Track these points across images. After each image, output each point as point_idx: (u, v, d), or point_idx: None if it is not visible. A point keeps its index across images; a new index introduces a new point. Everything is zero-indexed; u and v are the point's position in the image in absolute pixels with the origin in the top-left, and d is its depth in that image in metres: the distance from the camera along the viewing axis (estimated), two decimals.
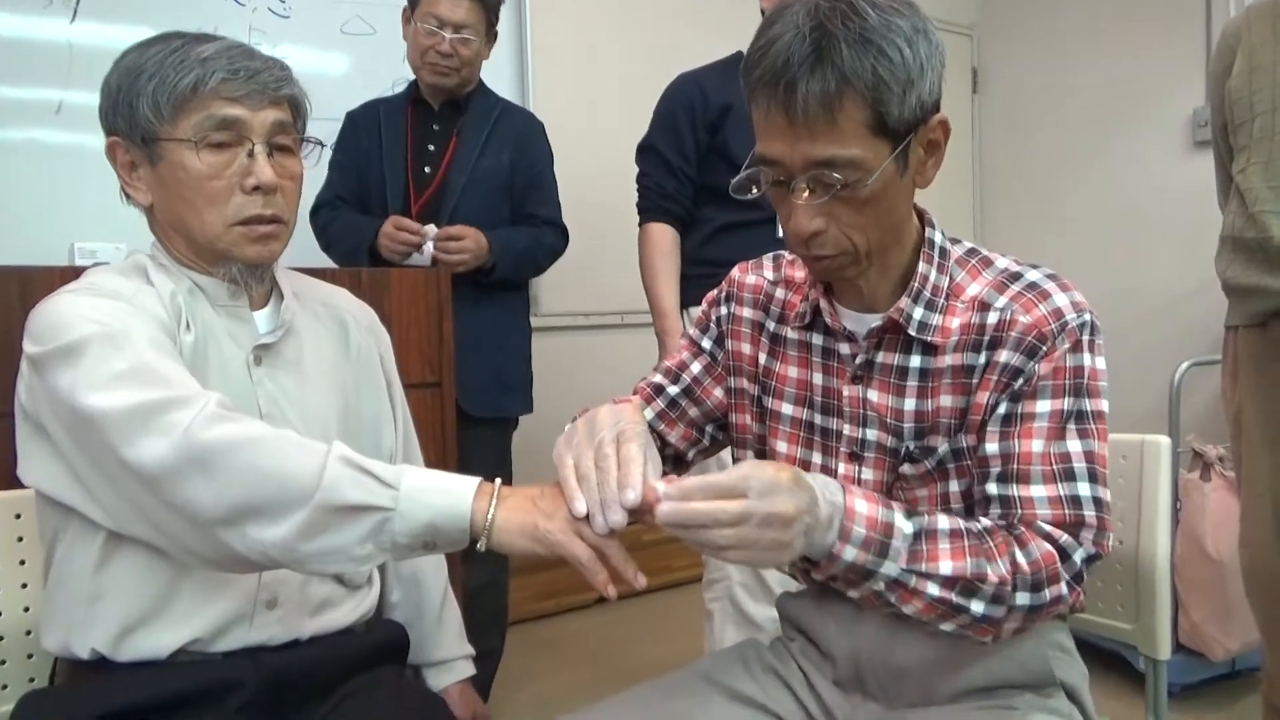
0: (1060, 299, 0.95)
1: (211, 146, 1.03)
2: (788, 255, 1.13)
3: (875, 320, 1.00)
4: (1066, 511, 0.92)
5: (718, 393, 1.15)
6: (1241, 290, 1.68)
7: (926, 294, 0.98)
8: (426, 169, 2.12)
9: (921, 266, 0.99)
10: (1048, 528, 0.92)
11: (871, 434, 1.01)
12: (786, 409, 1.08)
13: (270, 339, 1.11)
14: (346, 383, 1.19)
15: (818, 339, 1.06)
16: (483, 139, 2.13)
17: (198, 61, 1.02)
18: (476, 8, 2.06)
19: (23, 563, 1.17)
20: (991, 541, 0.91)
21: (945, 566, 0.88)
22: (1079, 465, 0.93)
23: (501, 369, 2.13)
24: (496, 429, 2.17)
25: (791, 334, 1.08)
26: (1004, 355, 0.94)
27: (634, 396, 1.18)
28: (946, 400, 0.97)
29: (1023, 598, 0.90)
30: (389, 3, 2.43)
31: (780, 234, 1.00)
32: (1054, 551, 0.91)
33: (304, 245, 2.13)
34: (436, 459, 1.65)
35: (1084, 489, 0.92)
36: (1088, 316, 0.95)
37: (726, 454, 1.22)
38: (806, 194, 0.89)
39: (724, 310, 1.15)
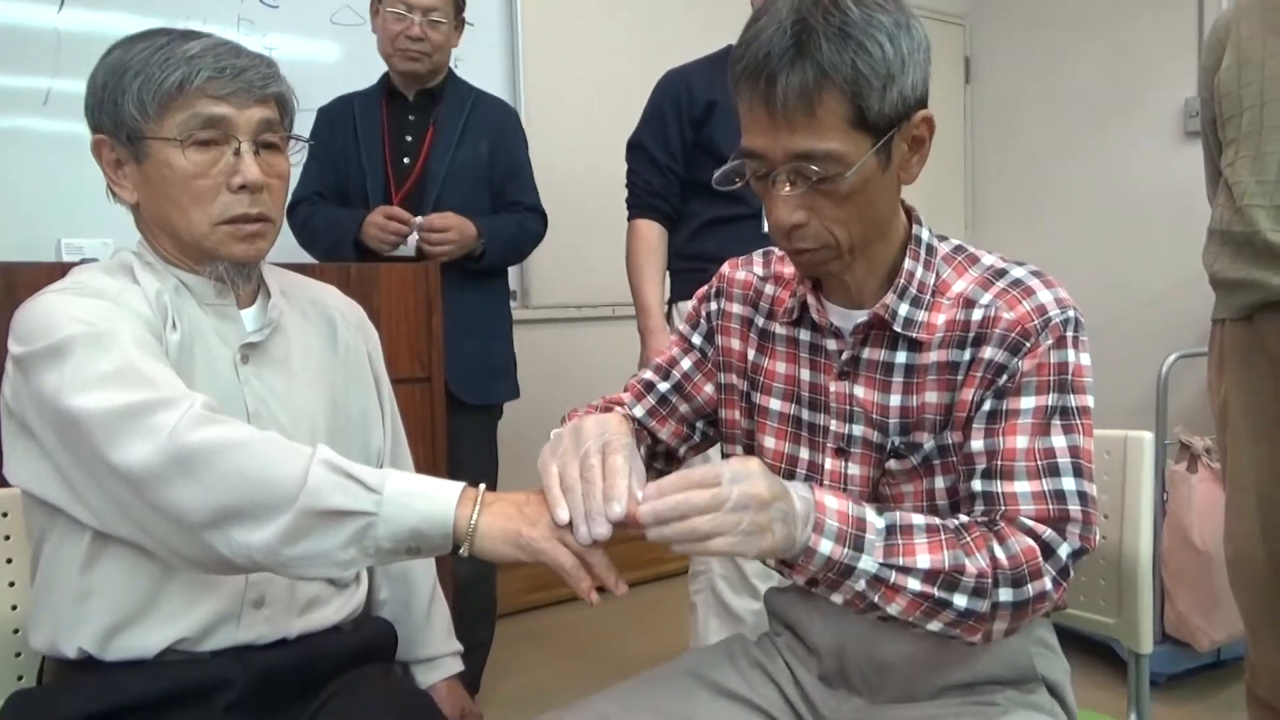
0: (1044, 295, 0.96)
1: (197, 145, 1.02)
2: (778, 251, 1.13)
3: (861, 316, 1.00)
4: (1050, 507, 0.92)
5: (708, 389, 1.15)
6: (1228, 284, 1.69)
7: (913, 290, 0.98)
8: (405, 160, 2.13)
9: (908, 263, 0.99)
10: (1030, 523, 0.92)
11: (858, 429, 1.02)
12: (774, 404, 1.08)
13: (257, 337, 1.10)
14: (334, 381, 1.19)
15: (805, 335, 1.06)
16: (459, 128, 2.14)
17: (183, 59, 1.01)
18: None
19: (9, 561, 1.17)
20: (969, 536, 0.91)
21: (923, 560, 0.88)
22: (1063, 460, 0.93)
23: (489, 355, 2.15)
24: (484, 415, 2.19)
25: (780, 329, 1.09)
26: (988, 352, 0.95)
27: (624, 394, 1.19)
28: (932, 396, 0.98)
29: (1005, 594, 0.90)
30: None
31: (766, 229, 1.01)
32: (1035, 546, 0.91)
33: (289, 242, 2.12)
34: (426, 454, 1.66)
35: (1069, 484, 0.93)
36: (1071, 313, 0.96)
37: (715, 451, 1.23)
38: (787, 186, 0.90)
39: (714, 306, 1.15)
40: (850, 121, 0.87)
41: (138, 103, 1.01)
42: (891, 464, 1.00)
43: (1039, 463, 0.93)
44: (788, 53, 0.85)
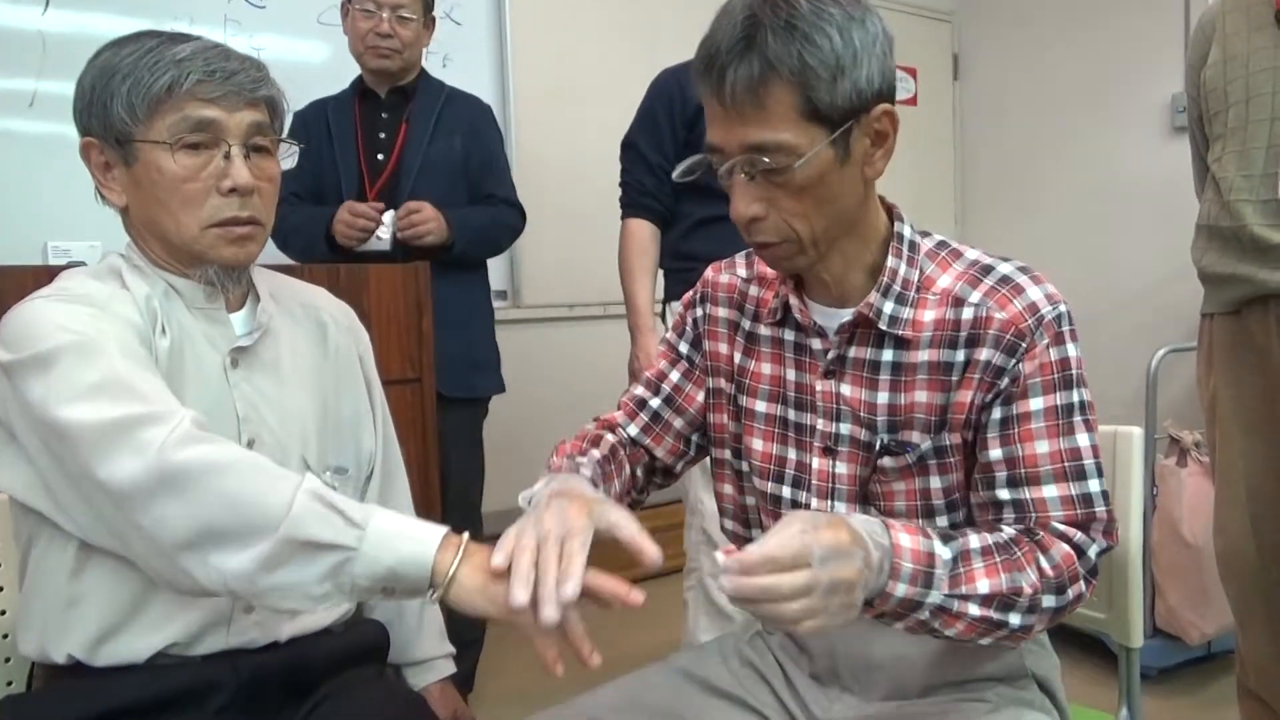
0: (1034, 292, 0.96)
1: (187, 148, 1.02)
2: None
3: (846, 315, 1.00)
4: (1079, 511, 0.94)
5: (699, 398, 1.15)
6: (1217, 278, 1.70)
7: (896, 288, 0.98)
8: (379, 156, 2.13)
9: (890, 260, 0.99)
10: (1062, 528, 0.93)
11: (845, 428, 1.02)
12: (760, 406, 1.08)
13: (246, 341, 1.10)
14: (325, 383, 1.19)
15: (790, 335, 1.06)
16: (432, 123, 2.14)
17: (173, 62, 1.00)
18: None
19: None
20: (1019, 551, 0.92)
21: (983, 585, 0.88)
22: (1088, 462, 0.94)
23: (469, 347, 2.14)
24: (468, 410, 2.18)
25: (764, 331, 1.08)
26: (984, 354, 0.95)
27: (616, 413, 1.18)
28: (922, 396, 0.98)
29: (1049, 600, 0.91)
30: None
31: None
32: (1072, 552, 0.93)
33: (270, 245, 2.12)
34: (417, 455, 1.65)
35: (1094, 485, 0.94)
36: (1062, 307, 0.96)
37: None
38: (742, 178, 0.92)
39: (700, 311, 1.15)
40: (801, 113, 0.88)
41: (127, 106, 1.00)
42: (885, 461, 1.00)
43: (1065, 465, 0.94)
44: (736, 46, 0.87)
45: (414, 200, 2.04)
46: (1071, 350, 0.96)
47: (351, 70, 2.18)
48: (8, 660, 1.16)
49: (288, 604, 0.87)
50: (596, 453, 1.06)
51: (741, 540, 1.15)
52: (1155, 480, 2.36)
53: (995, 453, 0.95)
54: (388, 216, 2.01)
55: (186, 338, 1.06)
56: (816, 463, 1.04)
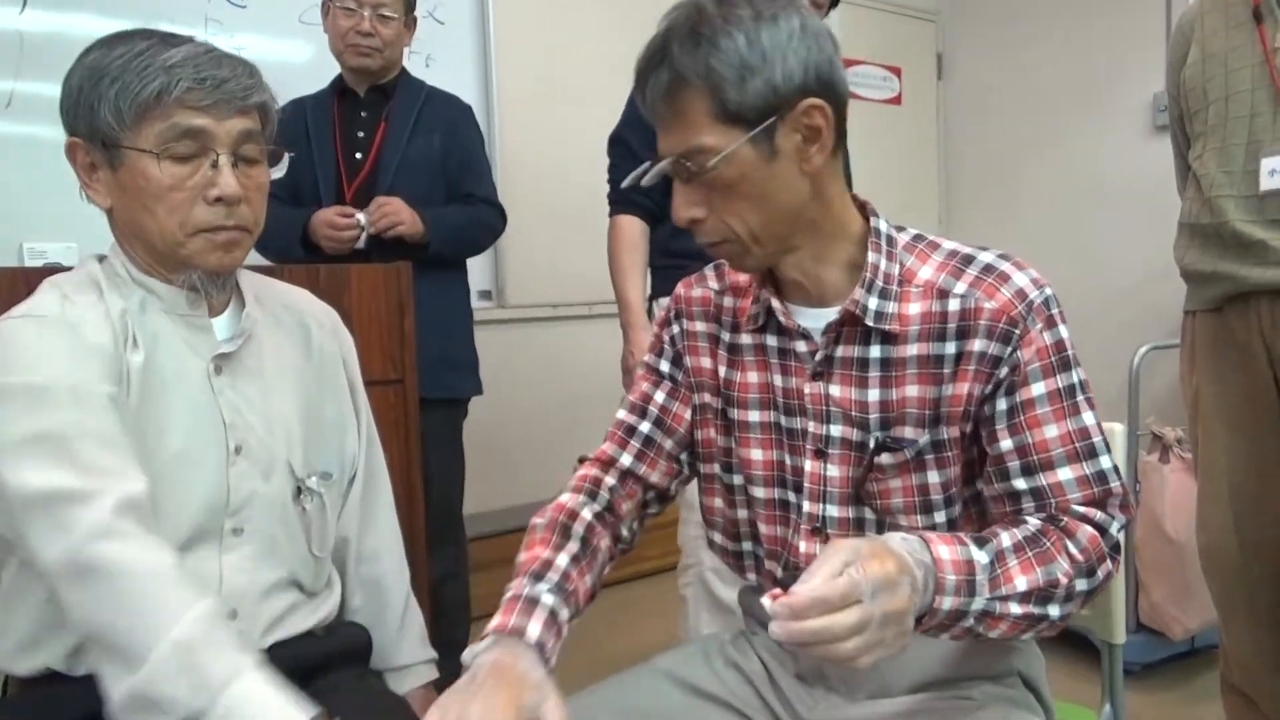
0: (1020, 278, 0.96)
1: (174, 157, 1.00)
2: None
3: (830, 314, 0.99)
4: (1095, 489, 0.94)
5: (687, 416, 1.13)
6: (1199, 276, 1.71)
7: (879, 283, 0.98)
8: (357, 155, 2.11)
9: (871, 256, 0.98)
10: (1083, 509, 0.94)
11: (836, 430, 1.01)
12: (753, 416, 1.07)
13: (229, 347, 1.09)
14: (308, 386, 1.18)
15: (772, 340, 1.05)
16: (411, 122, 2.12)
17: (163, 68, 0.98)
18: None
19: None
20: (1048, 541, 0.92)
21: (1021, 583, 0.88)
22: (1097, 439, 0.95)
23: (446, 348, 2.12)
24: (447, 411, 2.15)
25: (746, 339, 1.07)
26: (978, 344, 0.95)
27: (606, 445, 1.14)
28: (913, 390, 0.97)
29: (1082, 584, 0.92)
30: None
31: None
32: (1095, 533, 0.93)
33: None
34: (399, 456, 1.64)
35: (1105, 461, 0.95)
36: (1048, 290, 0.97)
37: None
38: (679, 182, 0.95)
39: (676, 329, 1.14)
40: (715, 116, 0.90)
41: (114, 110, 0.99)
42: (883, 458, 0.99)
43: (1076, 445, 0.94)
44: (653, 59, 0.92)
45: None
46: (1063, 332, 0.96)
47: (334, 70, 2.17)
48: None
49: None
50: (564, 559, 1.02)
51: (730, 555, 1.14)
52: (1138, 477, 2.37)
53: (1005, 443, 0.95)
54: (361, 217, 2.00)
55: (167, 347, 1.05)
56: (809, 465, 1.03)
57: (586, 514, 1.08)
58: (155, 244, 1.04)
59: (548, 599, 0.96)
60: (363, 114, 2.14)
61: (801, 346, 1.02)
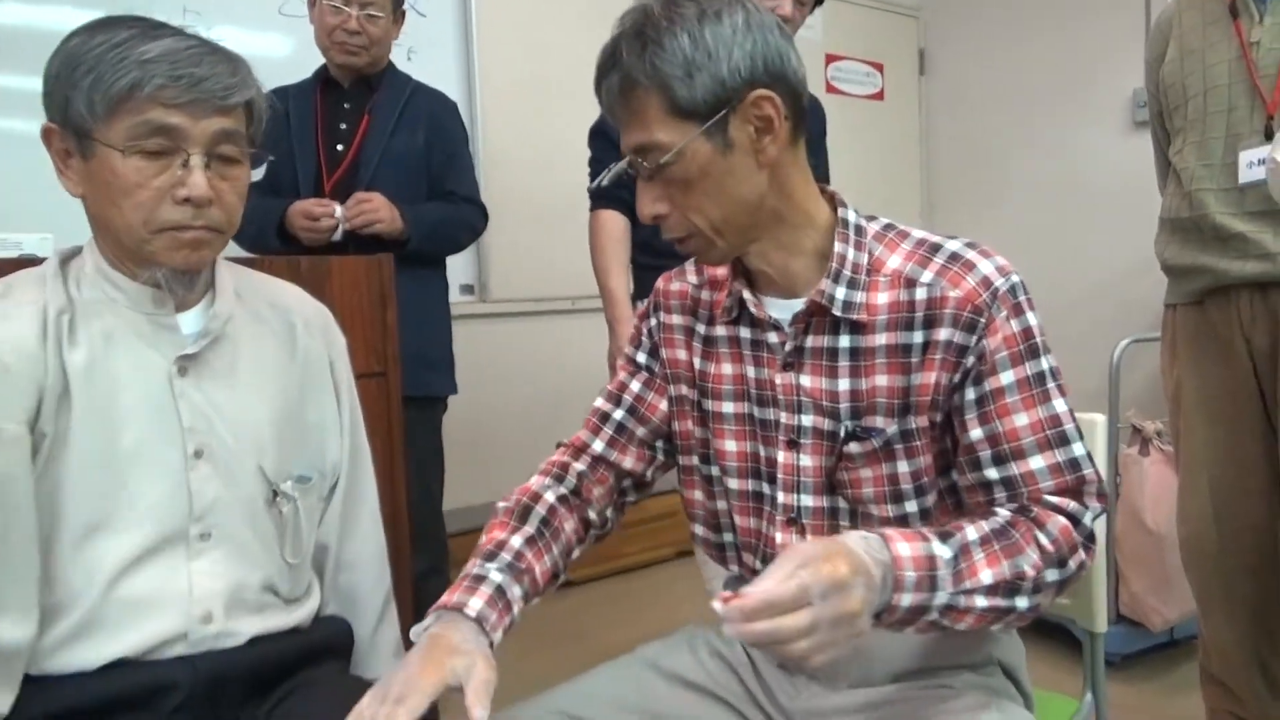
0: (985, 266, 0.96)
1: (144, 154, 0.98)
2: None
3: (798, 305, 1.00)
4: (1068, 476, 0.94)
5: (663, 406, 1.14)
6: (1179, 270, 1.72)
7: (847, 273, 0.98)
8: (339, 147, 2.08)
9: (838, 246, 0.99)
10: (1055, 499, 0.94)
11: (807, 420, 1.01)
12: (727, 407, 1.08)
13: (194, 349, 1.06)
14: (289, 389, 1.15)
15: (745, 332, 1.06)
16: (395, 116, 2.09)
17: (137, 63, 0.96)
18: None
19: None
20: (1017, 534, 0.92)
21: (986, 576, 0.89)
22: (1068, 426, 0.95)
23: (423, 346, 2.08)
24: (426, 409, 2.13)
25: (721, 331, 1.08)
26: (944, 333, 0.95)
27: (581, 431, 1.16)
28: (882, 380, 0.98)
29: (1053, 574, 0.92)
30: None
31: None
32: (1068, 523, 0.93)
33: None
34: (383, 449, 1.63)
35: (1078, 449, 0.95)
36: (1015, 278, 0.96)
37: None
38: (643, 180, 0.97)
39: (654, 321, 1.15)
40: (667, 112, 0.92)
41: (86, 101, 0.97)
42: (851, 447, 1.00)
43: (1047, 433, 0.94)
44: (606, 63, 0.95)
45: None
46: (1031, 319, 0.96)
47: (316, 61, 2.15)
48: None
49: None
50: (518, 540, 1.04)
51: (712, 546, 1.15)
52: (1118, 469, 2.39)
53: (976, 433, 0.95)
54: (338, 209, 1.97)
55: (120, 345, 1.03)
56: (782, 456, 1.03)
57: (550, 496, 1.09)
58: (121, 238, 1.02)
59: (495, 576, 0.99)
60: (346, 106, 2.11)
61: (773, 338, 1.03)
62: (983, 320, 0.94)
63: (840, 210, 1.01)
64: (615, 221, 2.04)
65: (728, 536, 1.12)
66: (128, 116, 0.97)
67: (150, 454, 1.02)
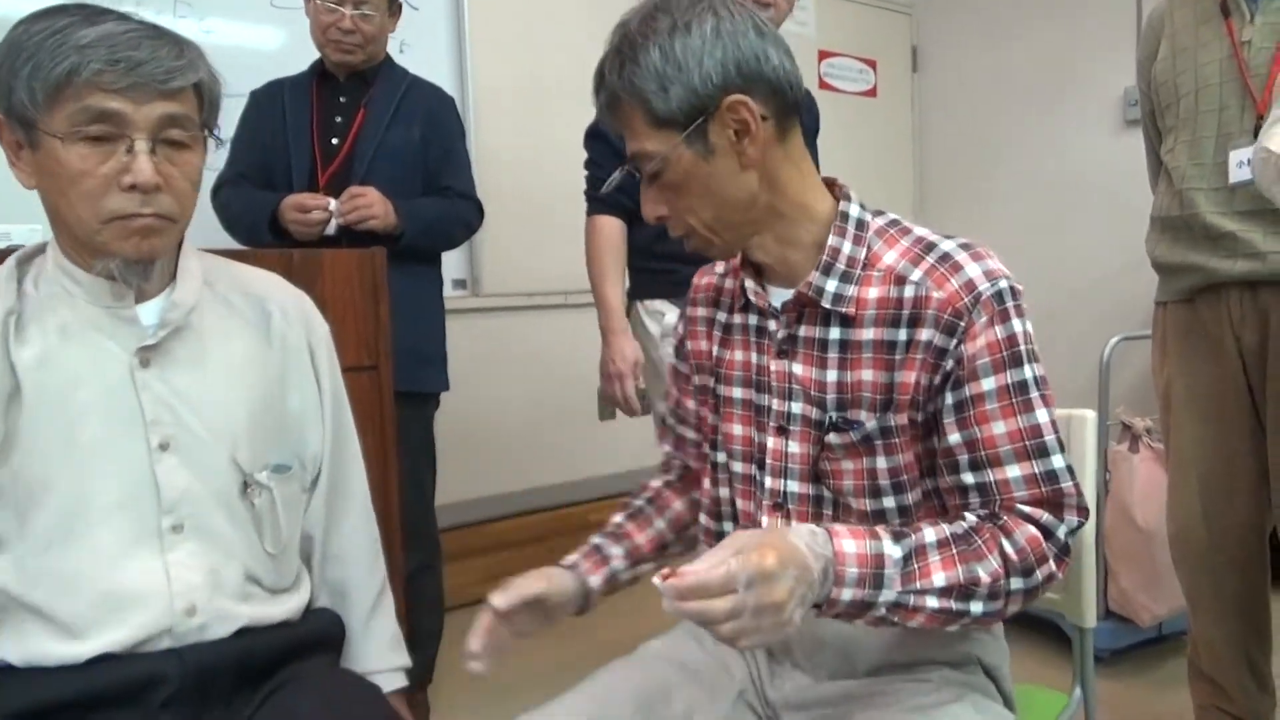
0: (972, 269, 0.96)
1: (88, 140, 0.96)
2: None
3: (790, 295, 1.02)
4: (1044, 488, 0.94)
5: (690, 405, 1.19)
6: (1170, 268, 1.73)
7: (840, 266, 0.99)
8: (334, 140, 2.07)
9: (832, 239, 1.00)
10: (1028, 509, 0.94)
11: (797, 407, 1.03)
12: (736, 392, 1.09)
13: (153, 339, 1.04)
14: (268, 376, 1.13)
15: (752, 319, 1.08)
16: (391, 110, 2.08)
17: (75, 48, 0.94)
18: None
19: None
20: (979, 540, 0.92)
21: (939, 579, 0.90)
22: (1049, 438, 0.95)
23: (416, 341, 2.07)
24: (418, 404, 2.12)
25: (736, 319, 1.10)
26: (925, 334, 0.95)
27: (653, 481, 1.27)
28: (868, 374, 0.98)
29: (1017, 583, 0.92)
30: None
31: None
32: (1038, 534, 0.93)
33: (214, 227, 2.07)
34: (375, 443, 1.63)
35: (1057, 461, 0.94)
36: (1003, 283, 0.96)
37: None
38: (645, 184, 1.01)
39: (686, 316, 1.19)
40: (650, 123, 0.96)
41: (28, 90, 0.95)
42: (831, 438, 1.01)
43: (1026, 443, 0.94)
44: (595, 82, 1.00)
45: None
46: (1017, 326, 0.95)
47: (308, 57, 2.13)
48: None
49: None
50: (621, 515, 1.22)
51: (712, 536, 1.15)
52: (1108, 466, 2.40)
53: (954, 437, 0.96)
54: (332, 203, 1.96)
55: (76, 339, 1.02)
56: (771, 442, 1.05)
57: (656, 483, 1.26)
58: (73, 229, 1.00)
59: (596, 540, 1.17)
60: (342, 99, 2.10)
61: (772, 325, 1.05)
62: (962, 324, 0.94)
63: (842, 204, 1.02)
64: (612, 227, 2.01)
65: (727, 525, 1.13)
66: (68, 103, 0.95)
67: (112, 447, 1.01)
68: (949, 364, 0.95)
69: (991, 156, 3.92)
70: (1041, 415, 0.95)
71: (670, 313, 1.95)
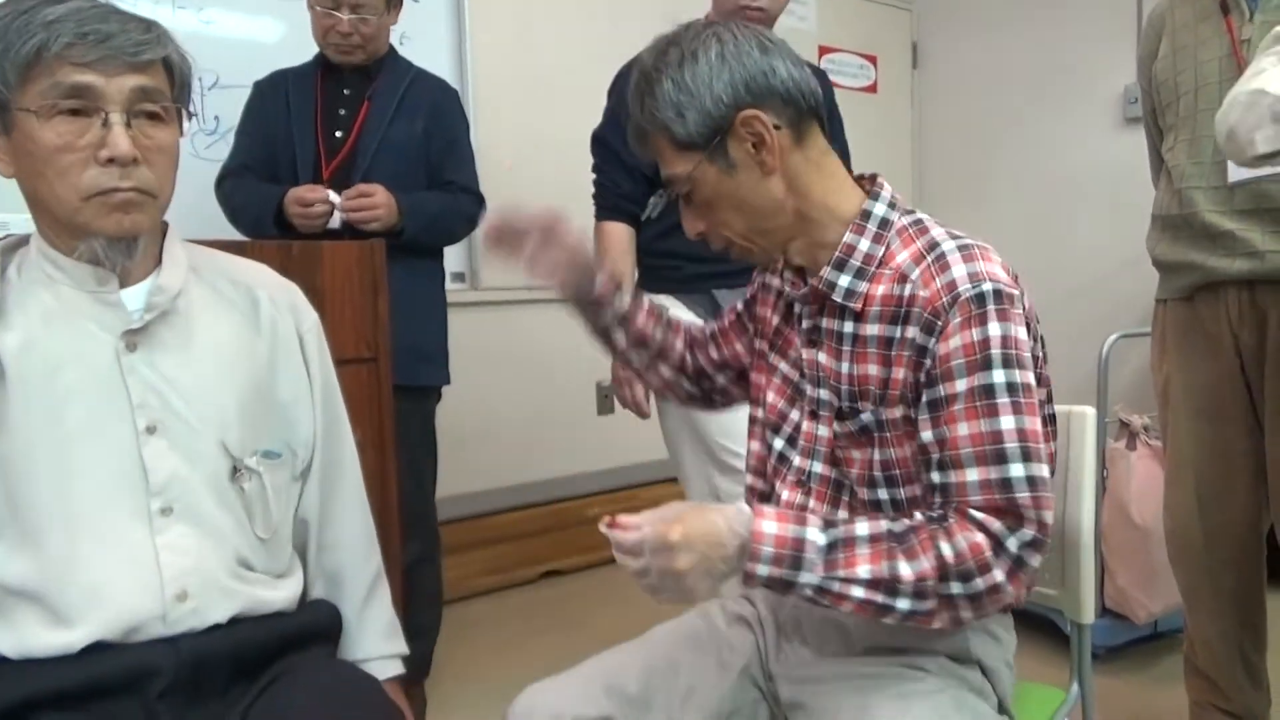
0: (958, 270, 0.96)
1: (63, 115, 0.96)
2: None
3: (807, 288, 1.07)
4: (997, 496, 0.93)
5: (738, 347, 1.25)
6: (1169, 266, 1.73)
7: (855, 263, 1.03)
8: (338, 133, 2.07)
9: (848, 236, 1.03)
10: (980, 515, 0.93)
11: (824, 394, 1.08)
12: (783, 365, 1.16)
13: (138, 323, 1.04)
14: (257, 362, 1.13)
15: (796, 306, 1.13)
16: (395, 103, 2.08)
17: (42, 25, 0.95)
18: None
19: None
20: (915, 539, 0.93)
21: (863, 571, 0.93)
22: (1010, 445, 0.93)
23: (417, 336, 2.07)
24: (418, 399, 2.12)
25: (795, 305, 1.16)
26: (911, 331, 0.98)
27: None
28: (872, 369, 1.02)
29: (956, 587, 0.92)
30: None
31: None
32: (983, 542, 0.92)
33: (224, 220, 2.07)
34: (373, 435, 1.63)
35: (1016, 470, 0.93)
36: (986, 286, 0.95)
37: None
38: (684, 203, 1.08)
39: (759, 281, 1.24)
40: (675, 148, 1.03)
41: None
42: (838, 426, 1.06)
43: (986, 448, 0.94)
44: (629, 121, 1.08)
45: (368, 181, 1.98)
46: (994, 330, 0.94)
47: (308, 48, 2.12)
48: None
49: None
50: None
51: (756, 495, 1.19)
52: (1105, 463, 2.40)
53: (927, 435, 0.98)
54: (332, 195, 1.95)
55: (60, 324, 1.02)
56: (805, 424, 1.10)
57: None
58: (54, 211, 1.00)
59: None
60: (346, 92, 2.09)
61: (802, 316, 1.11)
62: (939, 324, 0.95)
63: (866, 203, 1.04)
64: (622, 234, 2.01)
65: (776, 485, 1.16)
66: (39, 80, 0.96)
67: (98, 431, 1.01)
68: (928, 362, 0.97)
69: (991, 153, 3.92)
70: (1007, 422, 0.93)
71: (675, 307, 1.95)
